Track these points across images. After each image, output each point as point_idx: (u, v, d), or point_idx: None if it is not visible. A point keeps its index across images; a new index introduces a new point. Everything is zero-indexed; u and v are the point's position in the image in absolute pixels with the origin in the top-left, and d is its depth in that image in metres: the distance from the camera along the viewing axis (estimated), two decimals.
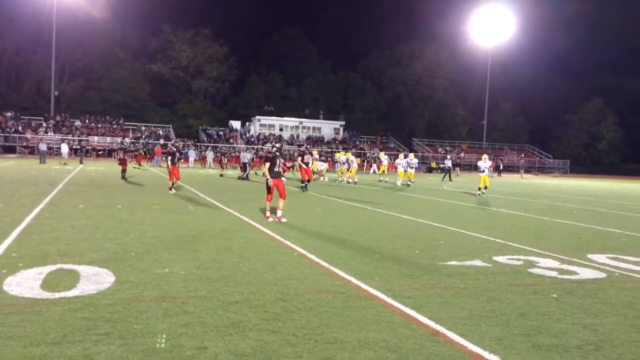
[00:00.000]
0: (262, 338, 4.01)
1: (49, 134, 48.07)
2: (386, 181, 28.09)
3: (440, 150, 64.31)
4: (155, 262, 6.42)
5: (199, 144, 52.86)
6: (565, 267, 7.13)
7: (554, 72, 76.38)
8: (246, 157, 26.83)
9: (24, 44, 58.39)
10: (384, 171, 29.92)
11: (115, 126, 54.41)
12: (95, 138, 50.23)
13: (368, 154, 54.68)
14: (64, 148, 38.98)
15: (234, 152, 43.06)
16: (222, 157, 33.98)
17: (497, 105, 73.63)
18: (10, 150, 45.35)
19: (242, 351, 3.74)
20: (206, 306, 4.76)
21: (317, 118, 64.42)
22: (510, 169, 58.10)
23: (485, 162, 19.91)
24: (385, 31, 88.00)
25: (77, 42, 58.81)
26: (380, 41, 78.79)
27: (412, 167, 26.18)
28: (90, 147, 46.58)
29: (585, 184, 37.56)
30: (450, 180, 33.37)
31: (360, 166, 40.17)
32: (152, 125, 57.75)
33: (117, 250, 7.03)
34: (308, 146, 49.43)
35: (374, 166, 40.83)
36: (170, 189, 16.14)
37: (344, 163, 27.82)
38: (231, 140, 55.83)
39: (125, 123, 55.75)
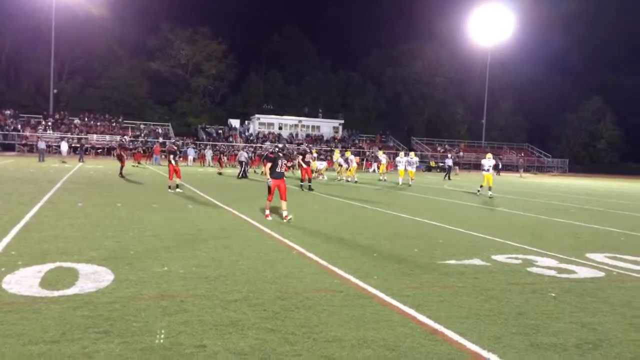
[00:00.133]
0: (261, 336, 4.02)
1: (48, 132, 48.02)
2: (385, 180, 28.10)
3: (439, 149, 64.33)
4: (154, 260, 6.42)
5: (198, 142, 52.83)
6: (563, 266, 7.14)
7: (553, 71, 76.45)
8: (243, 155, 26.84)
9: (23, 41, 58.28)
10: (383, 170, 29.92)
11: (114, 124, 54.37)
12: (94, 136, 50.17)
13: (367, 153, 54.73)
14: (64, 146, 38.98)
15: (233, 151, 43.06)
16: (221, 155, 33.96)
17: (496, 104, 73.64)
18: (9, 148, 45.26)
19: (241, 350, 3.74)
20: (205, 305, 4.76)
21: (317, 117, 64.42)
22: (509, 168, 58.14)
23: (489, 161, 19.59)
24: (385, 30, 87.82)
25: (76, 40, 58.73)
26: (379, 40, 78.84)
27: (412, 166, 25.93)
28: (89, 146, 46.53)
29: (584, 183, 37.60)
30: (450, 179, 33.39)
31: (360, 165, 40.21)
32: (151, 123, 57.70)
33: (116, 248, 7.03)
34: (310, 145, 49.46)
35: (375, 165, 40.83)
36: (170, 187, 16.11)
37: (341, 165, 27.70)
38: (230, 139, 55.79)
39: (124, 121, 55.71)
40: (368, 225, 10.46)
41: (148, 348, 3.70)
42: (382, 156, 31.54)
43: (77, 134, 48.65)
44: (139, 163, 36.32)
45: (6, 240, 7.28)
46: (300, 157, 20.07)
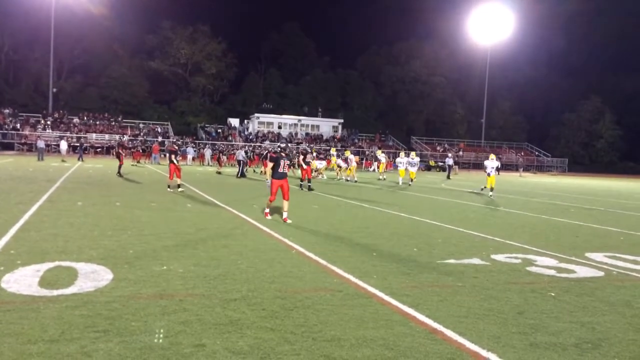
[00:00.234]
0: (260, 336, 4.01)
1: (47, 131, 47.99)
2: (384, 179, 28.11)
3: (438, 148, 64.34)
4: (153, 259, 6.41)
5: (197, 141, 52.81)
6: (563, 265, 7.14)
7: (553, 71, 76.54)
8: (241, 154, 26.85)
9: (22, 40, 58.24)
10: (382, 169, 29.91)
11: (113, 123, 54.34)
12: (94, 135, 50.16)
13: (367, 152, 54.75)
14: (63, 145, 38.93)
15: (232, 150, 43.06)
16: (220, 154, 33.94)
17: (496, 103, 73.64)
18: (9, 147, 45.24)
19: (240, 349, 3.74)
20: (204, 304, 4.76)
21: (316, 116, 64.40)
22: (509, 167, 58.19)
23: (492, 162, 19.37)
24: (383, 29, 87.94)
25: (75, 39, 58.71)
26: (378, 39, 78.91)
27: (414, 167, 25.54)
28: (89, 145, 46.50)
29: (583, 183, 37.62)
30: (449, 178, 33.39)
31: (359, 164, 40.22)
32: (151, 122, 57.69)
33: (115, 247, 7.03)
34: (311, 145, 49.48)
35: (375, 164, 40.86)
36: (169, 187, 16.08)
37: (340, 167, 27.60)
38: (230, 138, 55.79)
39: (124, 120, 55.70)
40: (367, 224, 10.46)
41: (147, 347, 3.69)
42: (381, 155, 31.54)
43: (77, 133, 48.64)
44: (138, 162, 36.31)
45: (5, 239, 7.27)
46: (302, 156, 20.01)
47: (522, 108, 77.29)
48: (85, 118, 53.41)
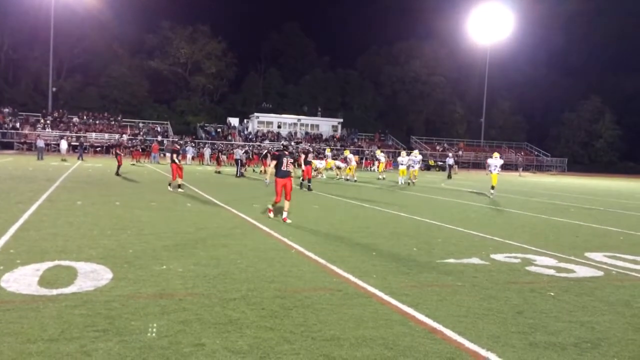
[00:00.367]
0: (260, 335, 4.01)
1: (47, 130, 47.98)
2: (384, 179, 28.11)
3: (438, 148, 64.36)
4: (153, 259, 6.41)
5: (197, 140, 52.81)
6: (562, 265, 7.14)
7: (552, 70, 76.54)
8: (238, 153, 26.85)
9: (21, 39, 58.19)
10: (382, 169, 29.90)
11: (113, 123, 54.32)
12: (93, 134, 50.15)
13: (367, 152, 54.75)
14: (63, 144, 38.92)
15: (231, 149, 43.07)
16: (219, 154, 33.95)
17: (496, 103, 73.68)
18: (8, 146, 45.23)
19: (239, 348, 3.74)
20: (204, 303, 4.76)
21: (316, 115, 64.38)
22: (509, 167, 58.23)
23: (496, 160, 19.17)
24: (383, 29, 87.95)
25: (75, 39, 58.68)
26: (378, 39, 78.93)
27: (416, 165, 25.03)
28: (88, 144, 46.49)
29: (583, 182, 37.63)
30: (450, 178, 33.39)
31: (359, 164, 40.21)
32: (150, 122, 57.68)
33: (114, 247, 7.03)
34: (313, 144, 49.48)
35: (376, 164, 40.84)
36: (170, 185, 16.09)
37: (339, 168, 27.55)
38: (229, 137, 55.78)
39: (123, 119, 55.67)
40: (367, 224, 10.46)
41: (146, 346, 3.69)
42: (380, 155, 31.53)
43: (76, 133, 48.63)
44: (138, 161, 36.30)
45: (5, 238, 7.27)
46: (303, 155, 19.99)
47: (522, 108, 77.33)
48: (84, 117, 53.39)
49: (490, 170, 19.30)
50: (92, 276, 5.47)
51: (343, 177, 26.79)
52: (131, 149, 41.39)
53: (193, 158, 41.63)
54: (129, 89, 61.88)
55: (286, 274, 5.95)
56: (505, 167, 55.88)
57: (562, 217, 13.36)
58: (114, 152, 25.59)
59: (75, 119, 52.41)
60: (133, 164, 32.70)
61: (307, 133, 60.70)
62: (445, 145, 65.71)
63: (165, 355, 3.57)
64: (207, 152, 42.46)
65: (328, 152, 32.47)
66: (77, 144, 41.86)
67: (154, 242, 7.50)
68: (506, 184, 30.41)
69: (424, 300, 5.16)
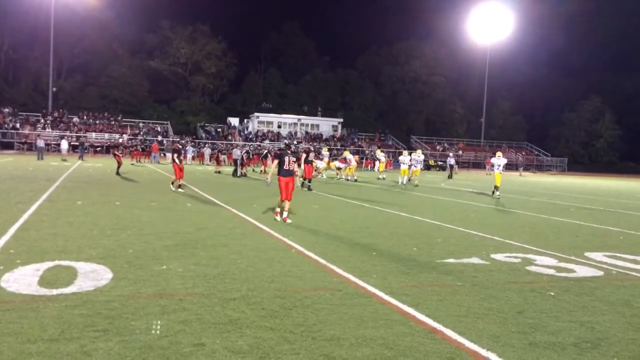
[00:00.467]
0: (260, 335, 4.01)
1: (47, 130, 47.98)
2: (384, 178, 28.11)
3: (438, 147, 64.36)
4: (153, 259, 6.41)
5: (197, 140, 52.81)
6: (562, 265, 7.14)
7: (552, 70, 76.60)
8: (236, 153, 26.85)
9: (21, 39, 58.22)
10: (382, 169, 29.89)
11: (113, 122, 54.32)
12: (93, 134, 50.16)
13: (367, 152, 54.74)
14: (64, 144, 38.93)
15: (231, 149, 43.07)
16: (219, 154, 33.93)
17: (496, 103, 73.71)
18: (8, 146, 45.24)
19: (239, 348, 3.74)
20: (204, 303, 4.75)
21: (316, 115, 64.38)
22: (509, 166, 58.18)
23: (499, 159, 19.05)
24: (383, 29, 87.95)
25: (75, 39, 58.69)
26: (378, 39, 79.01)
27: (419, 164, 24.71)
28: (88, 144, 46.50)
29: (583, 182, 37.63)
30: (450, 178, 33.39)
31: (359, 163, 40.18)
32: (150, 121, 57.68)
33: (114, 247, 7.03)
34: (314, 144, 49.46)
35: (377, 164, 40.80)
36: (172, 183, 16.10)
37: (339, 168, 27.49)
38: (229, 137, 55.77)
39: (123, 119, 55.68)
40: (367, 224, 10.45)
41: (146, 346, 3.69)
42: (380, 155, 31.52)
43: (76, 133, 48.63)
44: (138, 161, 36.30)
45: (5, 238, 7.26)
46: (304, 155, 19.97)
47: (522, 108, 77.35)
48: (85, 117, 53.40)
49: (492, 170, 19.19)
50: (92, 276, 5.47)
51: (343, 177, 26.79)
52: (131, 149, 41.37)
53: (193, 158, 41.65)
54: (129, 89, 61.90)
55: (286, 274, 5.94)
56: (505, 167, 56.05)
57: (562, 216, 13.36)
58: (112, 153, 25.62)
59: (76, 119, 52.43)
60: (133, 164, 32.69)
61: (307, 133, 60.71)
62: (446, 145, 65.73)
63: (165, 355, 3.57)
64: (207, 152, 42.48)
65: (325, 152, 32.17)
66: (78, 144, 41.87)
67: (154, 242, 7.50)
68: (507, 183, 30.36)
69: (424, 300, 5.16)
